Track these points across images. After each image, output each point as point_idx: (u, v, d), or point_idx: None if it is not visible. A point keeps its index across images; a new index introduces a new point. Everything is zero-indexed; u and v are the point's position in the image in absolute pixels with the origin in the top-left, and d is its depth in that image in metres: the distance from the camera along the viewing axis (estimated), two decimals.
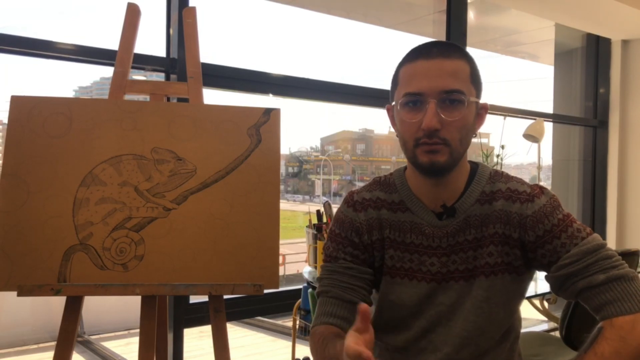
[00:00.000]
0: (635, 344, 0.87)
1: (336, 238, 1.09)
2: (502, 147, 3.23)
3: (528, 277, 1.05)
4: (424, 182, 1.04)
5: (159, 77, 2.17)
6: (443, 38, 3.10)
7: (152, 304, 1.47)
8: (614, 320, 0.90)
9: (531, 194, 1.01)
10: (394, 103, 1.03)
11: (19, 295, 1.39)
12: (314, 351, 1.01)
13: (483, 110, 1.03)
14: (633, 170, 3.91)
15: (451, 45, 1.00)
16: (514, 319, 1.08)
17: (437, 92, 0.95)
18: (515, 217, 1.00)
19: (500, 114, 3.40)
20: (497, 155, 3.23)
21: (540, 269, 1.02)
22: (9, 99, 1.47)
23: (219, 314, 1.48)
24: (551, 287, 1.00)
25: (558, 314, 1.95)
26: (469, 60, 1.00)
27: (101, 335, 5.31)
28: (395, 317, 1.08)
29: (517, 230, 1.00)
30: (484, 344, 1.03)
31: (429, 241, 1.04)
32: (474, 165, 1.08)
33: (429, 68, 0.96)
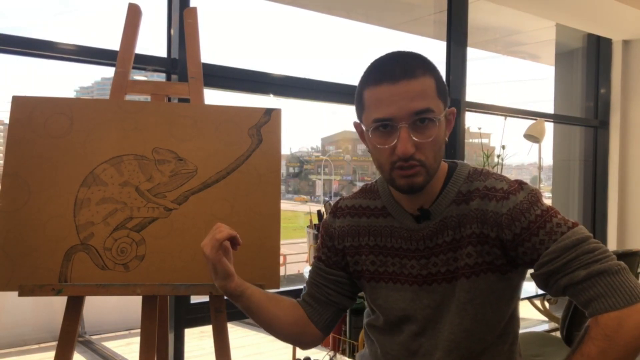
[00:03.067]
0: (623, 343, 0.84)
1: (320, 239, 1.21)
2: (503, 147, 3.23)
3: (517, 276, 1.03)
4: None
5: (160, 77, 2.17)
6: (444, 38, 3.10)
7: (153, 304, 1.47)
8: (599, 318, 0.86)
9: (507, 190, 0.97)
10: (364, 128, 1.01)
11: (20, 295, 1.39)
12: None
13: (451, 116, 1.02)
14: (634, 170, 3.91)
15: (414, 60, 0.97)
16: (510, 320, 1.06)
17: (407, 115, 0.93)
18: (491, 215, 0.97)
19: (501, 114, 3.40)
20: (498, 156, 3.23)
21: (525, 266, 1.00)
22: (10, 99, 1.47)
23: (219, 314, 1.48)
24: (537, 285, 0.98)
25: (559, 314, 1.95)
26: (433, 72, 0.97)
27: (102, 335, 5.32)
28: (388, 320, 1.09)
29: (494, 229, 0.97)
30: (474, 346, 1.02)
31: (407, 244, 1.05)
32: (453, 165, 1.06)
33: (396, 92, 0.93)
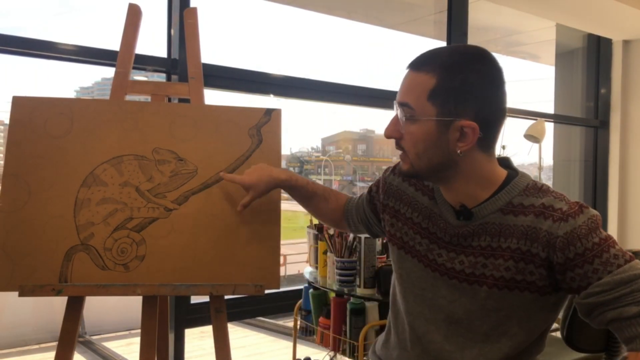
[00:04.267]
0: None
1: (378, 180, 1.27)
2: (503, 147, 3.23)
3: (555, 300, 0.99)
4: None
5: (160, 77, 2.17)
6: (444, 39, 3.10)
7: (153, 304, 1.47)
8: None
9: (567, 212, 0.93)
10: None
11: (20, 295, 1.39)
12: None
13: (469, 130, 0.95)
14: (634, 170, 3.90)
15: (435, 55, 0.97)
16: (537, 342, 1.04)
17: (396, 103, 1.00)
18: (544, 235, 0.93)
19: None
20: (498, 156, 3.22)
21: (568, 292, 0.97)
22: (10, 99, 1.47)
23: (220, 314, 1.48)
24: (580, 313, 0.96)
25: (559, 315, 1.95)
26: (442, 74, 0.94)
27: (102, 336, 5.32)
28: (403, 294, 1.11)
29: (545, 249, 0.93)
30: (493, 355, 1.01)
31: (441, 233, 1.05)
32: (513, 174, 1.03)
33: (403, 79, 1.01)
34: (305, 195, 1.36)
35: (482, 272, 0.99)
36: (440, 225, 1.05)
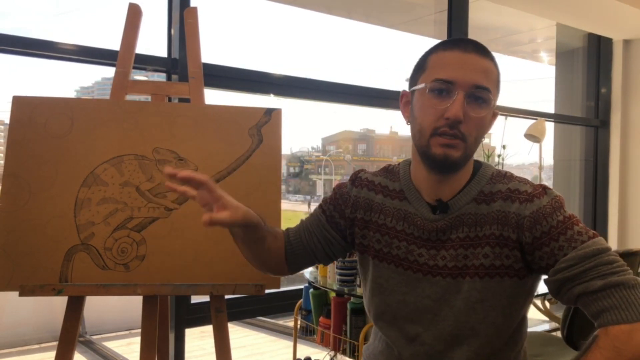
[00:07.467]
0: (630, 356, 0.83)
1: (333, 195, 1.18)
2: (504, 147, 3.24)
3: (532, 282, 1.02)
4: (427, 176, 1.03)
5: (161, 77, 2.17)
6: (444, 38, 3.09)
7: (153, 304, 1.47)
8: (610, 329, 0.86)
9: (532, 193, 0.97)
10: (415, 88, 1.01)
11: (20, 295, 1.39)
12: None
13: (496, 115, 1.05)
14: (634, 170, 3.90)
15: (485, 47, 1.01)
16: (519, 327, 1.06)
17: (468, 85, 0.95)
18: (513, 217, 0.97)
19: (502, 114, 3.40)
20: (499, 155, 3.23)
21: (539, 272, 0.99)
22: (10, 99, 1.47)
23: (220, 314, 1.48)
24: (550, 291, 0.97)
25: (559, 314, 1.95)
26: (497, 66, 1.01)
27: (103, 335, 5.31)
28: (385, 301, 1.09)
29: (515, 231, 0.97)
30: (481, 348, 1.01)
31: (419, 232, 1.05)
32: (477, 165, 1.07)
33: (465, 60, 0.96)
34: (262, 235, 1.12)
35: (464, 264, 1.00)
36: (417, 223, 1.05)
